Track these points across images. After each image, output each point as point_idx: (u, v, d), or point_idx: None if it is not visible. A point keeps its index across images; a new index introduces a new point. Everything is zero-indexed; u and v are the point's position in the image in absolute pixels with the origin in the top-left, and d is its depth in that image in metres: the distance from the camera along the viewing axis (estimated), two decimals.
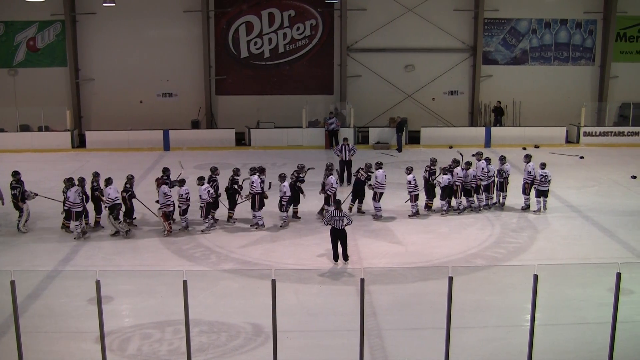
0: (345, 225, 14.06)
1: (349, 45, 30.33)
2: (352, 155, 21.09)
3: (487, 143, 28.08)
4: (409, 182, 17.56)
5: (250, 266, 14.42)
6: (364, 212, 18.12)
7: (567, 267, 14.22)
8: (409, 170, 17.74)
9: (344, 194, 18.57)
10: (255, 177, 16.71)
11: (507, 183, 18.52)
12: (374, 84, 30.65)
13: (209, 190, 16.32)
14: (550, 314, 11.89)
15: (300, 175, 17.67)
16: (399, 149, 27.34)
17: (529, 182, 18.28)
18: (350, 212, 17.83)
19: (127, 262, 14.76)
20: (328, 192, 17.17)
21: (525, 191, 18.40)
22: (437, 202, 18.19)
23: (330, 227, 14.15)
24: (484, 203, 18.33)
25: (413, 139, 28.77)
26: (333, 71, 30.81)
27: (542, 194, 18.06)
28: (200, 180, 16.44)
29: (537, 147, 27.85)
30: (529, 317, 9.54)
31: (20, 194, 16.53)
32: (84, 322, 11.49)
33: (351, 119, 28.62)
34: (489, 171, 18.18)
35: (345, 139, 22.39)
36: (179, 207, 16.59)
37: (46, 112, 27.90)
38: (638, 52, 31.31)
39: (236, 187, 17.23)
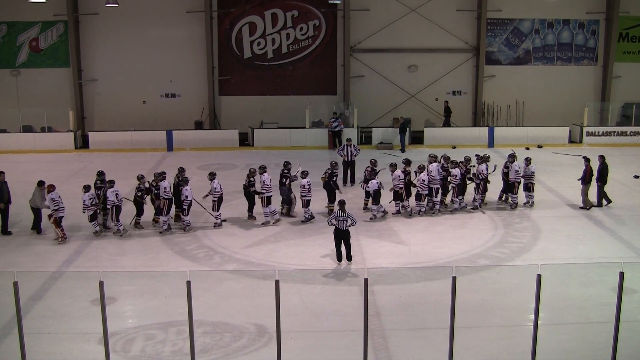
0: (349, 226, 14.07)
1: (352, 46, 30.32)
2: (355, 156, 21.09)
3: (490, 143, 28.06)
4: (303, 187, 17.06)
5: (253, 267, 14.43)
6: (465, 206, 18.29)
7: (570, 266, 14.24)
8: (304, 175, 17.28)
9: (348, 194, 18.56)
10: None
11: (488, 182, 18.43)
12: (377, 84, 30.63)
13: (116, 193, 16.15)
14: (553, 314, 11.89)
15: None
16: (402, 149, 27.33)
17: (517, 181, 18.32)
18: (460, 206, 18.14)
19: (130, 262, 14.78)
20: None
21: (514, 190, 18.39)
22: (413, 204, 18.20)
23: (333, 227, 14.17)
24: (437, 206, 17.97)
25: (416, 139, 28.78)
26: (336, 71, 30.81)
27: (531, 188, 18.52)
28: (110, 183, 16.31)
29: (540, 146, 27.85)
30: (532, 316, 9.54)
31: (103, 195, 16.57)
32: (87, 323, 11.52)
33: (354, 119, 28.63)
34: (458, 174, 17.84)
35: (348, 140, 22.41)
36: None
37: (49, 113, 27.93)
38: None
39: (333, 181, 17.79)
